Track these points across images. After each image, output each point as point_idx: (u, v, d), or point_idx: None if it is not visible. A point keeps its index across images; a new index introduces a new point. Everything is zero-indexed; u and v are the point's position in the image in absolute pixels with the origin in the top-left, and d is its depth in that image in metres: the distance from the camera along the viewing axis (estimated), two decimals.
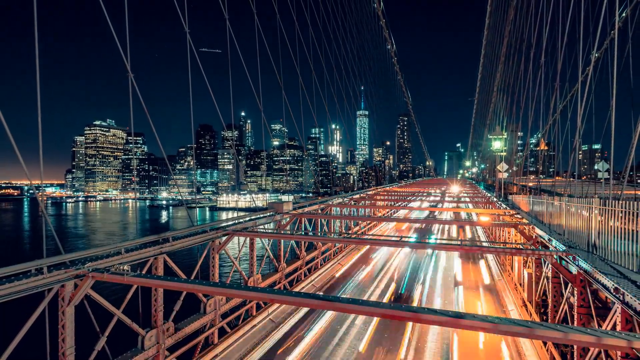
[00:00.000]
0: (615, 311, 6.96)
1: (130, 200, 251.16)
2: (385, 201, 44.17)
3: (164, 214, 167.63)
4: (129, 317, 9.42)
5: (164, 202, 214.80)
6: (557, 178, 29.09)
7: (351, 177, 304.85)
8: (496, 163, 40.50)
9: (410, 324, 14.19)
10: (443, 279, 21.53)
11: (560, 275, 10.63)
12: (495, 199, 35.61)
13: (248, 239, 15.86)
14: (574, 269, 9.53)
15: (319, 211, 25.24)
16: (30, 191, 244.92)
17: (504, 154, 40.12)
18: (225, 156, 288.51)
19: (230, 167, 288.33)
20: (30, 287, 7.49)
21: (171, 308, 11.01)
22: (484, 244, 24.23)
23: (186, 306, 11.61)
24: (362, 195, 40.90)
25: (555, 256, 10.62)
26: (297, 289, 18.81)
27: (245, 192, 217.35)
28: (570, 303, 10.14)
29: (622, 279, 7.26)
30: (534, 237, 15.26)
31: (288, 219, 19.68)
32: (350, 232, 30.58)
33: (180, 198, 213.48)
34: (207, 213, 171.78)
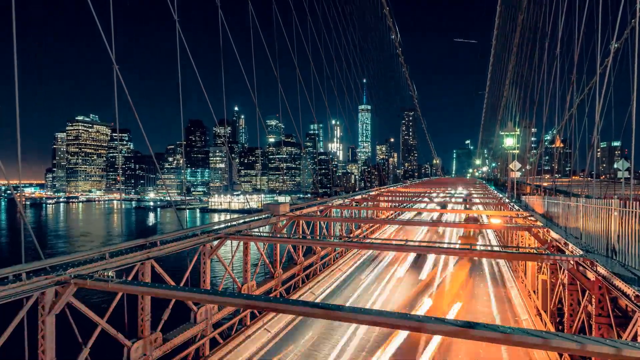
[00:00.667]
0: (637, 320, 6.97)
1: (115, 201, 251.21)
2: (389, 202, 44.21)
3: (152, 216, 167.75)
4: (114, 326, 9.41)
5: (152, 204, 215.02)
6: (573, 177, 29.12)
7: (352, 176, 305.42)
8: (508, 161, 40.58)
9: None
10: None
11: (577, 282, 10.65)
12: (507, 200, 35.65)
13: (242, 243, 15.85)
14: (591, 275, 9.53)
15: (318, 213, 25.24)
16: (8, 191, 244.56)
17: (516, 151, 40.21)
18: (217, 154, 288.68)
19: (222, 165, 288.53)
20: (8, 294, 7.47)
21: (159, 317, 11.00)
22: (495, 249, 24.25)
23: (175, 315, 11.58)
24: (364, 196, 40.95)
25: (571, 261, 10.63)
26: (294, 297, 18.81)
27: (239, 192, 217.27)
28: (587, 312, 10.15)
29: None
30: (549, 240, 15.28)
31: (285, 222, 19.68)
32: (351, 235, 30.60)
33: (169, 199, 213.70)
34: (198, 215, 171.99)
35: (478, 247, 19.01)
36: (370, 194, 45.02)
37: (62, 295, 8.33)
